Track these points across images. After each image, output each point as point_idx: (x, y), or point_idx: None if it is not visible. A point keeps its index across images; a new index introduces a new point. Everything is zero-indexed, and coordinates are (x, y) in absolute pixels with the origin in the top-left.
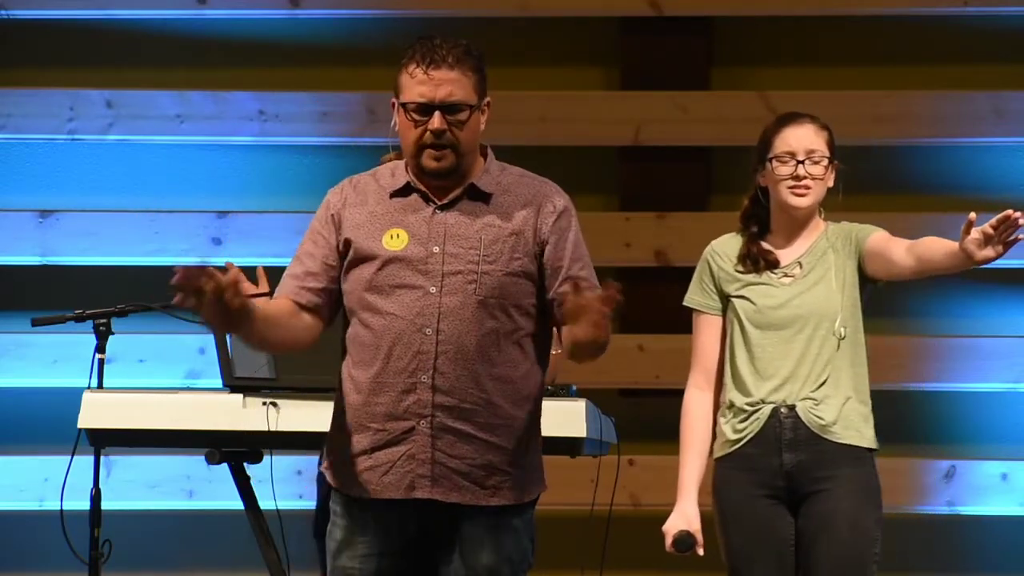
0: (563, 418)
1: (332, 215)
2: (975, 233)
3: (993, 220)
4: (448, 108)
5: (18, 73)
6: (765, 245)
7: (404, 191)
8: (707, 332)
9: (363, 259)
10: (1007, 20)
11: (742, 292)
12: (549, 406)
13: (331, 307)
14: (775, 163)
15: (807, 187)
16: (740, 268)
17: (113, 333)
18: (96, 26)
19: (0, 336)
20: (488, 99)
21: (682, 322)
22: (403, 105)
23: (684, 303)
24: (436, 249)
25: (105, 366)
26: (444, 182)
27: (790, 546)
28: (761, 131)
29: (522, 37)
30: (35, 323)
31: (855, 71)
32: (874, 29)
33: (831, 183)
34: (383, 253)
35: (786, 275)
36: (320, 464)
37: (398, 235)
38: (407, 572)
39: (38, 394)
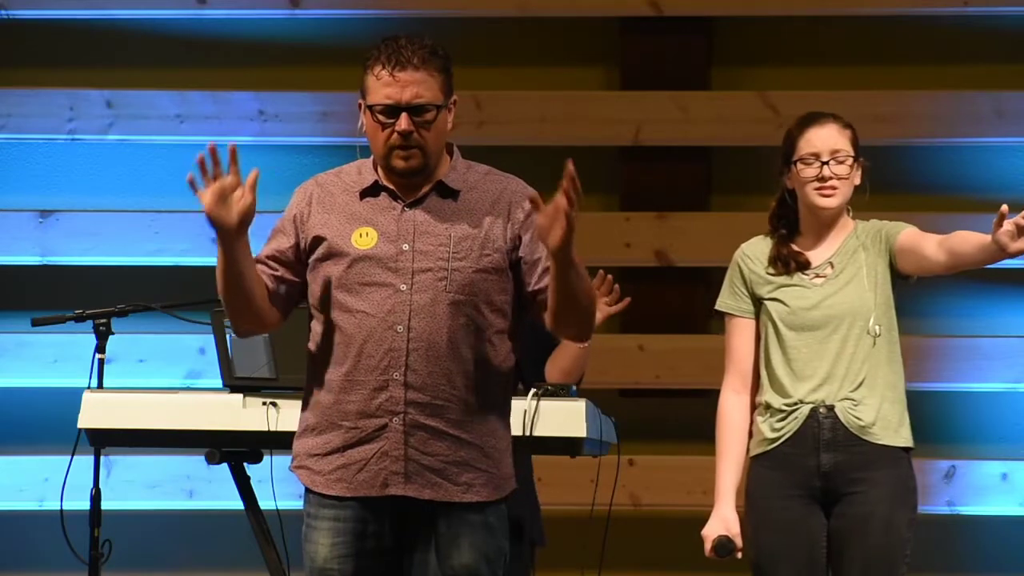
0: (563, 418)
1: (295, 215)
2: (1007, 225)
3: None
4: (415, 110)
5: (18, 73)
6: (795, 247)
7: (372, 190)
8: (740, 335)
9: (332, 258)
10: (1007, 20)
11: (774, 294)
12: (549, 406)
13: (284, 298)
14: (800, 165)
15: (833, 187)
16: (771, 270)
17: (113, 333)
18: (96, 26)
19: (0, 336)
20: (455, 98)
21: (682, 322)
22: (370, 107)
23: (716, 307)
24: (406, 247)
25: (105, 366)
26: (412, 180)
27: (821, 547)
28: (785, 133)
29: (522, 37)
30: (35, 323)
31: (855, 71)
32: (874, 29)
33: (858, 181)
34: (352, 252)
35: (817, 276)
36: (290, 465)
37: (367, 233)
38: (386, 572)
39: (38, 394)
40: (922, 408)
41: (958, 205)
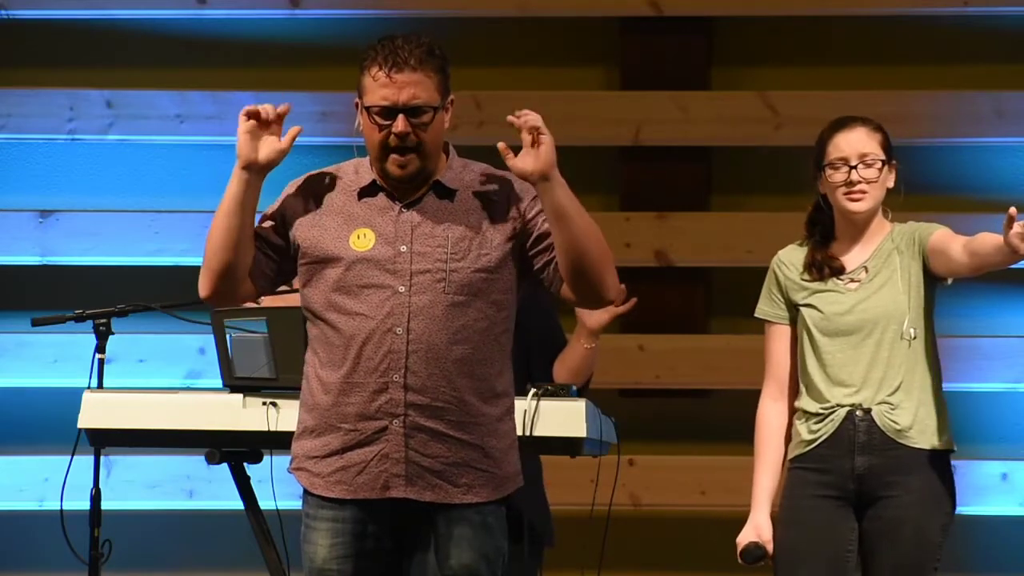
0: (563, 418)
1: (284, 210)
2: (1017, 227)
3: None
4: (411, 111)
5: (18, 73)
6: (829, 252)
7: (370, 190)
8: (778, 342)
9: (329, 260)
10: (1007, 20)
11: (809, 300)
12: (549, 406)
13: (263, 275)
14: (829, 170)
15: (863, 191)
16: (806, 276)
17: (113, 333)
18: (96, 26)
19: (0, 336)
20: (452, 97)
21: (682, 322)
22: (366, 108)
23: (755, 315)
24: (403, 248)
25: (105, 366)
26: (409, 185)
27: (847, 550)
28: (817, 137)
29: (522, 37)
30: (35, 323)
31: (855, 71)
32: (874, 29)
33: (891, 184)
34: (350, 254)
35: (852, 280)
36: (289, 467)
37: (365, 235)
38: (385, 573)
39: (38, 394)
40: None
41: (958, 205)
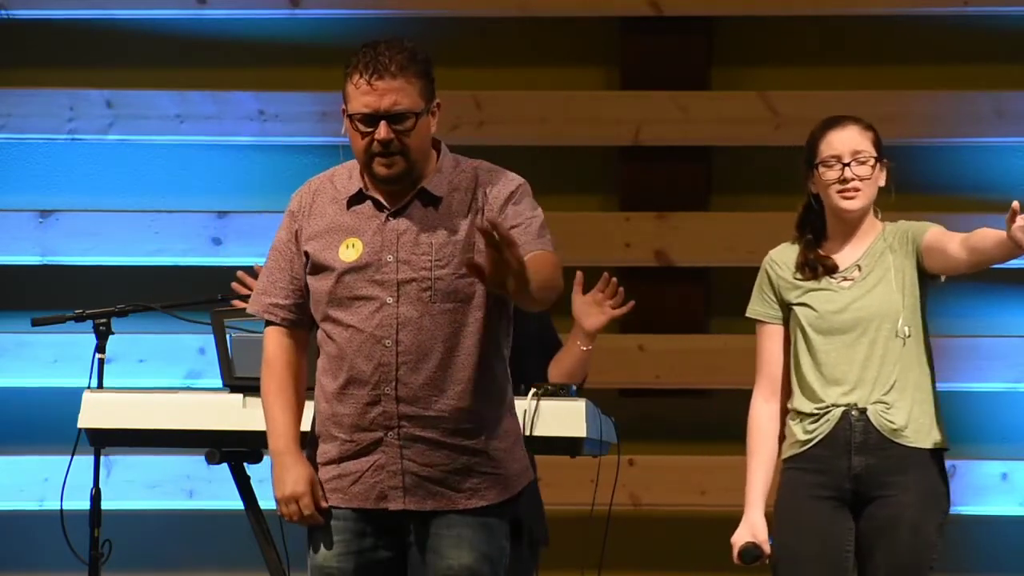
0: (563, 418)
1: (295, 229)
2: (1020, 221)
3: None
4: (393, 118)
5: (18, 73)
6: (822, 251)
7: (358, 198)
8: (770, 341)
9: (322, 271)
10: (1007, 20)
11: (803, 299)
12: (549, 406)
13: (310, 320)
14: (822, 168)
15: (856, 189)
16: (799, 276)
17: (113, 333)
18: (96, 26)
19: (0, 336)
20: (437, 101)
21: (682, 322)
22: (349, 116)
23: (746, 315)
24: (389, 258)
25: (105, 366)
26: (396, 187)
27: (846, 550)
28: (807, 136)
29: (522, 37)
30: (35, 323)
31: (855, 71)
32: (874, 29)
33: (882, 182)
34: (339, 265)
35: (845, 279)
36: None
37: (353, 245)
38: (386, 569)
39: (38, 394)
40: None
41: (958, 205)
